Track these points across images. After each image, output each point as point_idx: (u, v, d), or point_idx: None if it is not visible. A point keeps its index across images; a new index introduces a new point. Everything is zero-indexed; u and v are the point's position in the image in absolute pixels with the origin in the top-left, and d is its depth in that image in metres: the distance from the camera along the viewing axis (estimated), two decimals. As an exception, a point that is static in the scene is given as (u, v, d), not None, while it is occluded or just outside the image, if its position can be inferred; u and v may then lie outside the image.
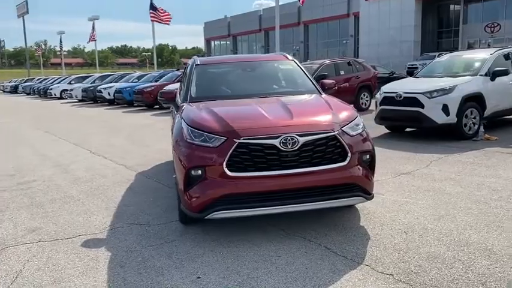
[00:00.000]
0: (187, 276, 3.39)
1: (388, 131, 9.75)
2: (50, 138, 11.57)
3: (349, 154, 3.91)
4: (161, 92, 5.19)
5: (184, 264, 3.61)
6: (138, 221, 4.67)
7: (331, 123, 3.97)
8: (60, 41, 57.84)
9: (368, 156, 4.12)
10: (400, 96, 8.52)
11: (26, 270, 3.63)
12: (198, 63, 5.60)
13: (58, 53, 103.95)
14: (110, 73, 31.03)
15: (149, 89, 18.74)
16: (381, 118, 9.18)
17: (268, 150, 3.75)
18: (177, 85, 7.78)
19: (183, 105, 4.81)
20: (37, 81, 44.09)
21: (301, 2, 23.97)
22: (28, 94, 42.33)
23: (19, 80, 53.75)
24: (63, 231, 4.50)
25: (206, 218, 3.83)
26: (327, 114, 4.16)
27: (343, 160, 3.90)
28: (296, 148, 3.76)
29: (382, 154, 7.34)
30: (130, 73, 27.83)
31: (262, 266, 3.51)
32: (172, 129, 4.90)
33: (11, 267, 3.69)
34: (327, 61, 13.94)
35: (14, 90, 50.41)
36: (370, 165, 4.17)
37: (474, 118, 8.31)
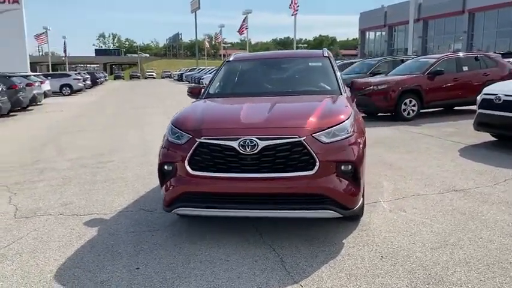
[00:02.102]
0: (129, 266, 3.55)
1: (493, 138, 8.36)
2: (165, 124, 12.81)
3: (317, 163, 3.57)
4: (189, 87, 5.39)
5: (139, 254, 3.77)
6: (147, 207, 5.00)
7: (299, 128, 3.67)
8: (220, 33, 62.79)
9: (349, 167, 3.70)
10: (499, 99, 7.23)
11: (26, 237, 4.24)
12: (231, 59, 5.65)
13: (224, 45, 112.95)
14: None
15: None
16: (478, 124, 7.91)
17: (228, 151, 3.66)
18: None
19: (193, 102, 4.95)
20: (197, 71, 48.85)
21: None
22: (189, 82, 47.15)
23: (184, 70, 60.18)
24: (84, 208, 5.06)
25: (171, 212, 3.94)
26: (304, 118, 3.83)
27: (311, 169, 3.59)
28: (256, 152, 3.59)
29: (454, 164, 6.44)
30: None
31: (203, 266, 3.49)
32: None
33: (18, 233, 4.34)
34: (447, 55, 12.45)
35: (180, 78, 56.79)
36: (353, 177, 3.74)
37: None
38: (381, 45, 66.78)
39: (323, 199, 3.63)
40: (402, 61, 14.18)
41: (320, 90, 4.87)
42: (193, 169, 3.76)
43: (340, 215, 3.70)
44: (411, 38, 26.10)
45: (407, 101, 11.32)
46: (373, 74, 13.97)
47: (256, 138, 3.60)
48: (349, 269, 3.37)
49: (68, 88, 31.54)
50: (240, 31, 47.26)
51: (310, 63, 5.45)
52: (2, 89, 14.70)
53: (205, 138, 3.72)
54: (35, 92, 19.47)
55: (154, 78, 77.78)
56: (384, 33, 67.35)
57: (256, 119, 3.86)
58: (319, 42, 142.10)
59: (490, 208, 4.57)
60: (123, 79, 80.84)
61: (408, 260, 3.48)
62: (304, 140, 3.58)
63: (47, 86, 23.13)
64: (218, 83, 5.33)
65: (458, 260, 3.45)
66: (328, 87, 4.90)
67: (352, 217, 4.19)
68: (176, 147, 3.89)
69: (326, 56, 5.30)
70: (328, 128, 3.72)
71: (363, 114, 12.66)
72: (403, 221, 4.30)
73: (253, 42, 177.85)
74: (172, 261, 3.61)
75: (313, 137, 3.62)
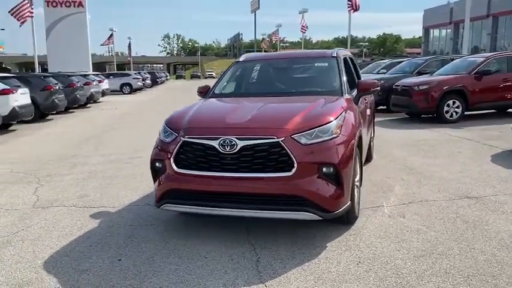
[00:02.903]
0: (113, 257, 3.73)
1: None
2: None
3: (296, 164, 3.56)
4: (199, 86, 5.50)
5: (127, 246, 3.94)
6: (152, 203, 5.13)
7: (278, 129, 3.66)
8: (277, 32, 62.69)
9: (331, 169, 3.65)
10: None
11: (35, 225, 4.56)
12: (241, 60, 5.72)
13: (283, 44, 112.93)
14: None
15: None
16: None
17: (209, 151, 3.74)
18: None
19: (196, 101, 5.07)
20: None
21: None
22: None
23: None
24: (96, 201, 5.35)
25: (159, 208, 4.08)
26: (287, 119, 3.81)
27: (289, 170, 3.58)
28: (235, 151, 3.64)
29: (479, 169, 6.12)
30: None
31: (180, 262, 3.58)
32: None
33: (30, 222, 4.67)
34: (496, 54, 11.69)
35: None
36: (335, 180, 3.68)
37: None
38: (446, 43, 63.71)
39: (302, 201, 3.61)
40: (452, 60, 13.49)
41: (320, 91, 4.80)
42: (178, 167, 3.88)
43: (320, 218, 3.66)
44: (468, 35, 24.68)
45: (450, 102, 10.78)
46: (419, 74, 13.41)
47: (235, 138, 3.64)
48: (320, 272, 3.33)
49: (127, 87, 33.08)
50: (302, 29, 47.06)
51: (316, 64, 5.38)
52: (59, 87, 15.73)
53: (188, 137, 3.83)
54: (92, 90, 20.62)
55: (214, 77, 79.52)
56: (449, 30, 64.16)
57: (240, 120, 3.90)
58: (382, 41, 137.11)
59: (497, 218, 4.30)
60: (185, 78, 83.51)
61: (384, 267, 3.37)
62: (282, 140, 3.58)
63: (105, 84, 24.40)
64: (224, 83, 5.42)
65: (438, 270, 3.29)
66: (329, 88, 4.82)
67: (344, 220, 4.13)
68: (165, 146, 4.03)
69: (334, 57, 5.20)
70: (310, 129, 3.68)
71: (406, 116, 12.28)
72: (398, 227, 4.15)
73: (314, 41, 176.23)
74: (153, 255, 3.74)
75: (292, 138, 3.60)
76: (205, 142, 3.74)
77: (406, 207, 4.73)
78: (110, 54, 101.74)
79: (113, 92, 29.00)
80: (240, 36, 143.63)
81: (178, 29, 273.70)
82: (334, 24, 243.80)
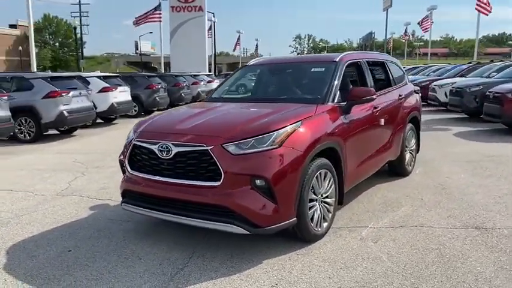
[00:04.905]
0: (67, 247, 4.03)
1: None
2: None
3: (223, 174, 3.44)
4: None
5: (90, 239, 4.21)
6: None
7: (210, 137, 3.57)
8: (406, 31, 59.24)
9: (263, 182, 3.44)
10: None
11: (42, 211, 5.12)
12: (250, 63, 5.63)
13: (417, 42, 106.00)
14: (423, 65, 29.69)
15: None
16: None
17: (151, 155, 3.82)
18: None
19: None
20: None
21: None
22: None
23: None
24: (108, 194, 5.76)
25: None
26: (227, 127, 3.71)
27: (218, 180, 3.47)
28: (170, 157, 3.67)
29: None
30: (433, 65, 25.67)
31: (112, 260, 3.72)
32: None
33: (41, 207, 5.25)
34: None
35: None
36: (269, 194, 3.46)
37: None
38: None
39: (229, 213, 3.48)
40: None
41: (300, 98, 4.52)
42: (132, 169, 4.03)
43: (248, 232, 3.48)
44: None
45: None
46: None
47: (171, 143, 3.66)
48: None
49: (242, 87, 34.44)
50: (423, 28, 43.92)
51: (313, 69, 5.04)
52: (161, 86, 17.13)
53: (136, 140, 3.96)
54: (199, 89, 21.95)
55: None
56: None
57: (185, 126, 3.89)
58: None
59: (486, 255, 3.59)
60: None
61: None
62: (211, 149, 3.49)
63: (215, 84, 25.79)
64: (222, 88, 5.41)
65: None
66: (314, 95, 4.49)
67: (300, 238, 3.87)
68: (125, 147, 4.21)
69: (334, 61, 4.82)
70: (246, 138, 3.52)
71: (502, 126, 10.65)
72: (356, 253, 3.73)
73: (457, 39, 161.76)
74: (99, 250, 3.95)
75: (222, 147, 3.49)
76: (148, 146, 3.83)
77: (392, 231, 4.20)
78: (244, 55, 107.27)
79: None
80: (373, 35, 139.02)
81: (310, 30, 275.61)
82: (482, 21, 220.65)
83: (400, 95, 5.90)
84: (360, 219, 4.55)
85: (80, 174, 6.93)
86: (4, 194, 5.88)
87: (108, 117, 14.21)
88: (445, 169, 6.61)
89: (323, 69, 4.85)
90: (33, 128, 10.49)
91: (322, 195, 4.00)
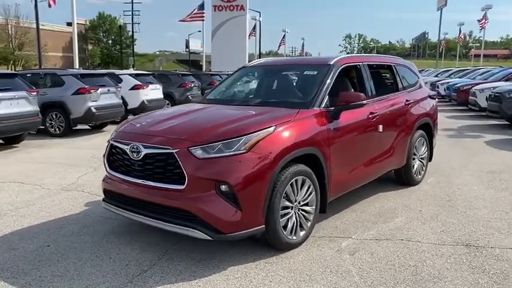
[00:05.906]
0: (48, 242, 4.13)
1: None
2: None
3: (187, 178, 3.40)
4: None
5: (72, 235, 4.30)
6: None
7: (177, 140, 3.53)
8: (460, 32, 56.72)
9: (227, 188, 3.37)
10: None
11: (40, 204, 5.29)
12: (248, 65, 5.54)
13: (474, 44, 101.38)
14: (471, 67, 28.15)
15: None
16: None
17: (125, 155, 3.84)
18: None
19: None
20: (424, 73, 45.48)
21: None
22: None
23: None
24: (109, 190, 5.89)
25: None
26: (197, 130, 3.67)
27: (182, 183, 3.44)
28: (140, 158, 3.68)
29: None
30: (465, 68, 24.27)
31: (84, 258, 3.77)
32: None
33: (42, 200, 5.44)
34: None
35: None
36: (234, 200, 3.38)
37: None
38: None
39: (191, 217, 3.44)
40: None
41: (287, 102, 4.38)
42: (110, 168, 4.07)
43: (210, 238, 3.42)
44: None
45: None
46: None
47: (141, 145, 3.67)
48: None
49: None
50: (481, 27, 42.01)
51: (305, 72, 4.87)
52: (194, 85, 17.35)
53: (113, 140, 4.00)
54: (235, 88, 22.12)
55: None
56: None
57: (159, 128, 3.88)
58: None
59: (467, 277, 3.33)
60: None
61: (244, 304, 2.99)
62: (176, 152, 3.46)
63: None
64: (218, 89, 5.36)
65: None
66: (300, 100, 4.36)
67: (271, 245, 3.77)
68: (106, 147, 4.26)
69: (328, 65, 4.64)
70: (213, 142, 3.46)
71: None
72: (324, 265, 3.58)
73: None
74: (75, 247, 4.02)
75: (188, 150, 3.45)
76: (121, 146, 3.87)
77: (374, 244, 4.00)
78: (289, 54, 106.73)
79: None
80: (426, 35, 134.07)
81: (361, 29, 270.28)
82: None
83: (407, 100, 5.62)
84: (345, 228, 4.37)
85: (92, 170, 7.12)
86: (15, 187, 6.15)
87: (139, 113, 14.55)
88: (459, 180, 6.24)
89: (315, 72, 4.69)
90: (63, 123, 10.93)
91: (299, 203, 3.87)
